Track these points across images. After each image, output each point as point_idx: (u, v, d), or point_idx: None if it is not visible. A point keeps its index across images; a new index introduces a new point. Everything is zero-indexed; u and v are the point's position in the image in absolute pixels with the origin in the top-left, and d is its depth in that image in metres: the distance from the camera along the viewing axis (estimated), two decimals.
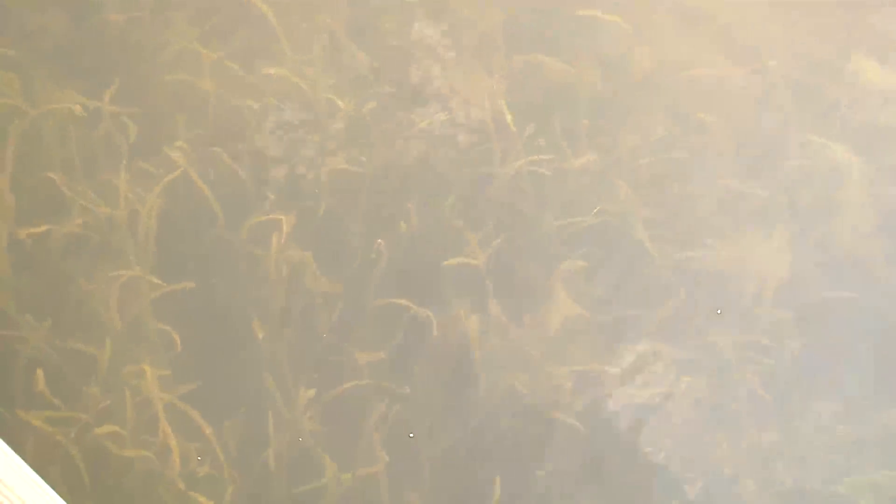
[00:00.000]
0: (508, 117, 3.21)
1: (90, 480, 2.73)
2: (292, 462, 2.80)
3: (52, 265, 2.97)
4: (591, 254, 3.07)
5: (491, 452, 2.85)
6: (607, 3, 3.40)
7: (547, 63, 3.33)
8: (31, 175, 3.06)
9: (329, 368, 2.90)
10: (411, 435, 2.83)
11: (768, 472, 2.86)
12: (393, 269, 3.02)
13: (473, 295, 2.99)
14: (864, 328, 3.03)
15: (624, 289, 3.04)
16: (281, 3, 3.33)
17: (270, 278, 2.97)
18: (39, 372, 2.79)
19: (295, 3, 3.35)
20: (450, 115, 3.22)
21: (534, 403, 2.90)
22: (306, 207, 3.08)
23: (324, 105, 3.22)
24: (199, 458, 2.75)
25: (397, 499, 2.77)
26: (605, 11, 3.38)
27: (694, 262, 3.10)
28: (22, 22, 3.29)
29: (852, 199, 3.21)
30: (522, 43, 3.36)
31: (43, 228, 2.99)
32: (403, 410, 2.86)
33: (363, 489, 2.78)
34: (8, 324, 2.86)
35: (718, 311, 3.02)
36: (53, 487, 2.19)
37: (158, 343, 2.89)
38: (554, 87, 3.30)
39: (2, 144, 3.06)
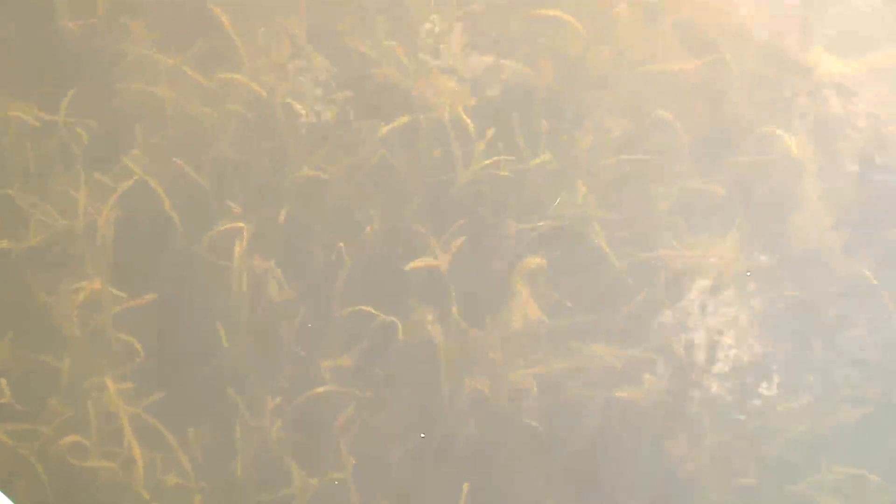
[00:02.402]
0: (467, 120, 3.21)
1: (54, 494, 2.71)
2: (260, 470, 2.80)
3: (11, 278, 2.94)
4: (551, 255, 3.08)
5: (458, 457, 2.86)
6: (565, 1, 3.39)
7: (505, 64, 3.32)
8: None
9: (294, 375, 2.90)
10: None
11: (728, 471, 2.89)
12: (356, 275, 3.01)
13: (437, 299, 3.00)
14: (822, 325, 3.05)
15: (584, 289, 3.06)
16: (239, 8, 3.30)
17: (233, 287, 2.96)
18: (2, 383, 2.77)
19: (253, 8, 3.32)
20: (410, 119, 3.21)
21: (498, 407, 2.91)
22: (268, 215, 3.06)
23: (283, 111, 3.20)
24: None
25: None
26: (563, 10, 3.37)
27: (653, 261, 3.11)
28: None
29: (810, 193, 3.23)
30: (480, 44, 3.36)
31: (1, 243, 2.96)
32: (370, 416, 2.86)
33: (331, 495, 2.79)
34: None
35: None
36: (17, 501, 2.17)
37: (121, 354, 2.87)
38: (512, 88, 3.30)
39: None
